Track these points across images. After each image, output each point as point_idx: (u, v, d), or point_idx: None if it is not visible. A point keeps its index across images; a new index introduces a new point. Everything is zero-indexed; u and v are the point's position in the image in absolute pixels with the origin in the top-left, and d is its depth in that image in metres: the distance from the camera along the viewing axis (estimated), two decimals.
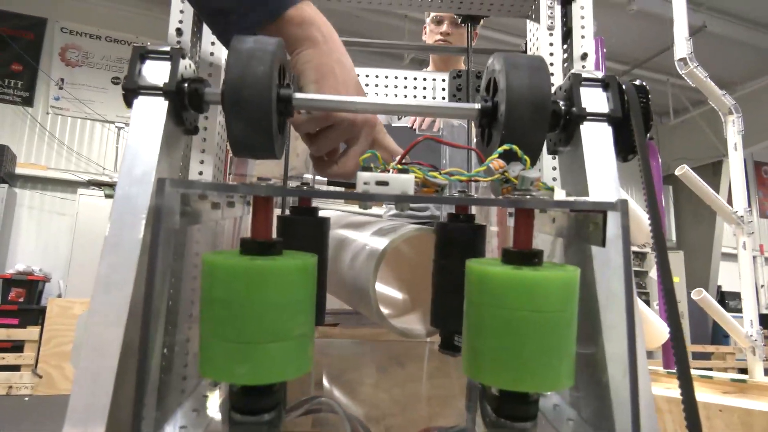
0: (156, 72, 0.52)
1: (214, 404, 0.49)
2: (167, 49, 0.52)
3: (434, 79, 0.85)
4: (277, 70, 0.53)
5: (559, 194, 0.50)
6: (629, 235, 0.42)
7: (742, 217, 1.97)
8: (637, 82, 0.57)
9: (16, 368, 3.99)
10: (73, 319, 4.60)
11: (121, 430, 0.40)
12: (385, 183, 0.43)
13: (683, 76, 1.92)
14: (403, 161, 0.52)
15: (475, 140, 0.72)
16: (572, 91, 0.55)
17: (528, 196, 0.44)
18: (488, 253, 0.69)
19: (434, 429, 0.59)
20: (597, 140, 0.54)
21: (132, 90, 0.51)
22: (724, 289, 7.24)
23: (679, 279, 6.60)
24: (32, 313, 4.38)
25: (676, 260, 6.85)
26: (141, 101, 0.51)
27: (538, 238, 0.76)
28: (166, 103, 0.51)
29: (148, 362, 0.37)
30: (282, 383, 0.48)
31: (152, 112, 0.50)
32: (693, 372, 1.99)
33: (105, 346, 0.42)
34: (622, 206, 0.41)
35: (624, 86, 0.56)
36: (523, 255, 0.44)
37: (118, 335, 0.42)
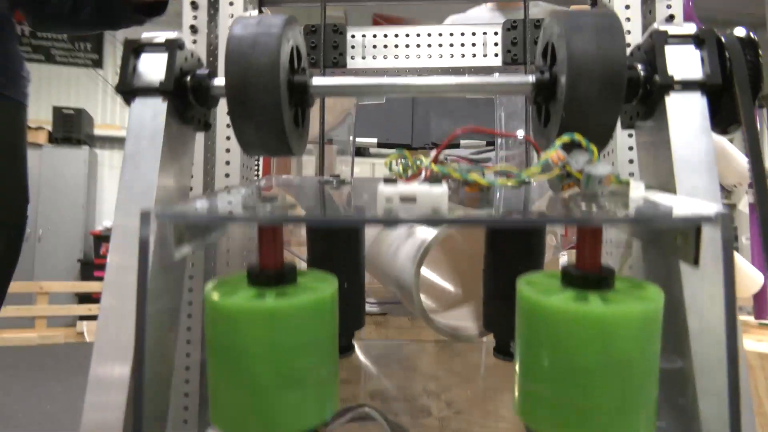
0: (153, 67, 0.45)
1: None
2: (162, 40, 0.45)
3: (485, 33, 0.73)
4: (287, 55, 0.45)
5: (637, 188, 0.41)
6: (732, 255, 0.32)
7: None
8: (742, 33, 0.45)
9: None
10: None
11: None
12: (411, 199, 0.35)
13: None
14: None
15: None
16: (655, 51, 0.43)
17: (594, 207, 0.35)
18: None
19: None
20: (687, 115, 0.42)
21: (127, 93, 0.45)
22: None
23: None
24: None
25: None
26: (138, 104, 0.45)
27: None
28: (166, 103, 0.45)
29: (142, 411, 0.32)
30: None
31: (151, 115, 0.44)
32: None
33: (111, 393, 0.38)
34: (723, 221, 0.31)
35: (724, 40, 0.43)
36: (588, 279, 0.35)
37: (124, 375, 0.38)
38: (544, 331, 0.35)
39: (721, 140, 1.37)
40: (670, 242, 0.37)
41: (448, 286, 0.70)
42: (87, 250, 4.87)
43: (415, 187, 0.35)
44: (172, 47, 0.45)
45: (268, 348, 0.35)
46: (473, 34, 0.73)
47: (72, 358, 3.18)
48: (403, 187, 0.35)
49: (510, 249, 0.51)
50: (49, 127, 4.79)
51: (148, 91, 0.44)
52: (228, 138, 0.61)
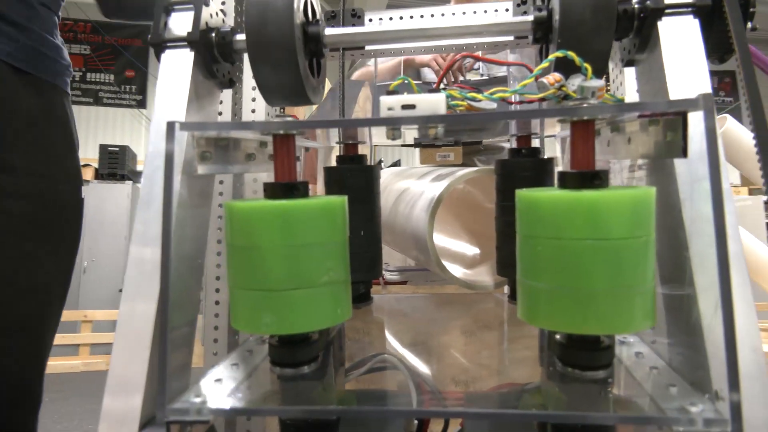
0: (182, 23, 0.50)
1: (259, 358, 0.47)
2: None
3: (496, 11, 0.76)
4: (302, 6, 0.49)
5: None
6: (716, 139, 0.33)
7: None
8: None
9: None
10: None
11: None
12: (411, 106, 0.38)
13: None
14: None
15: None
16: None
17: (584, 105, 0.37)
18: None
19: (507, 386, 0.53)
20: (680, 39, 0.44)
21: (158, 44, 0.49)
22: None
23: None
24: None
25: None
26: (168, 54, 0.49)
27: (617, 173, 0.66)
28: (193, 54, 0.49)
29: (168, 323, 0.35)
30: (325, 334, 0.45)
31: (179, 64, 0.49)
32: None
33: (143, 305, 0.41)
34: (705, 102, 0.33)
35: None
36: (581, 176, 0.37)
37: (154, 292, 0.41)
38: (539, 225, 0.37)
39: (730, 122, 1.28)
40: (662, 144, 0.39)
41: (469, 249, 0.71)
42: None
43: (415, 96, 0.38)
44: (198, 3, 0.50)
45: (281, 246, 0.38)
46: (485, 12, 0.77)
47: None
48: (404, 96, 0.38)
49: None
50: (96, 165, 5.03)
51: (177, 42, 0.49)
52: (254, 99, 0.65)
